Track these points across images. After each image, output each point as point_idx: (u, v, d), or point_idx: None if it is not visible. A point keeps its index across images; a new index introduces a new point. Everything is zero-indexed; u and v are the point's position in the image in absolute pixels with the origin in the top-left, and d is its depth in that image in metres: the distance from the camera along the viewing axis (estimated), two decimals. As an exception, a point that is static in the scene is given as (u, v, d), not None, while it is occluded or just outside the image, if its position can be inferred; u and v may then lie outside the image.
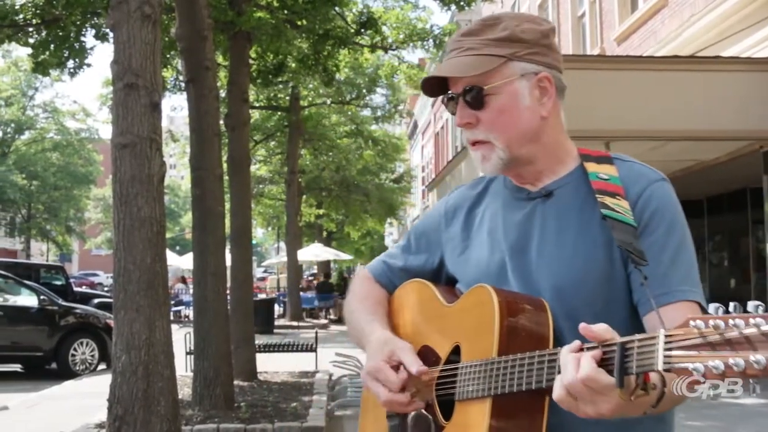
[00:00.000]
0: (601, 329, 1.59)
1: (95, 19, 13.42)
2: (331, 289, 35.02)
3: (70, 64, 14.35)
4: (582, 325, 1.60)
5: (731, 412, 9.68)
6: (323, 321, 31.99)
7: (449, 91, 2.06)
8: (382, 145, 38.43)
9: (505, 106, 1.99)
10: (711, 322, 1.37)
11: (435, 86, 2.10)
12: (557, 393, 1.61)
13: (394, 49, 18.97)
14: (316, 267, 48.70)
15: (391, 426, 2.09)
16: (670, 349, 1.43)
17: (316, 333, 15.68)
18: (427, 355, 2.09)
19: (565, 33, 23.09)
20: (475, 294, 1.97)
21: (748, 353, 1.31)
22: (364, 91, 31.69)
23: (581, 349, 1.61)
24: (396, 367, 2.00)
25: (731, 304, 1.40)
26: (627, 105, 11.97)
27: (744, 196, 17.41)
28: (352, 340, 2.33)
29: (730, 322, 1.35)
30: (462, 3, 15.44)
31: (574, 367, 1.57)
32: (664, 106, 12.02)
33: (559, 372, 1.63)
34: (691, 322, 1.40)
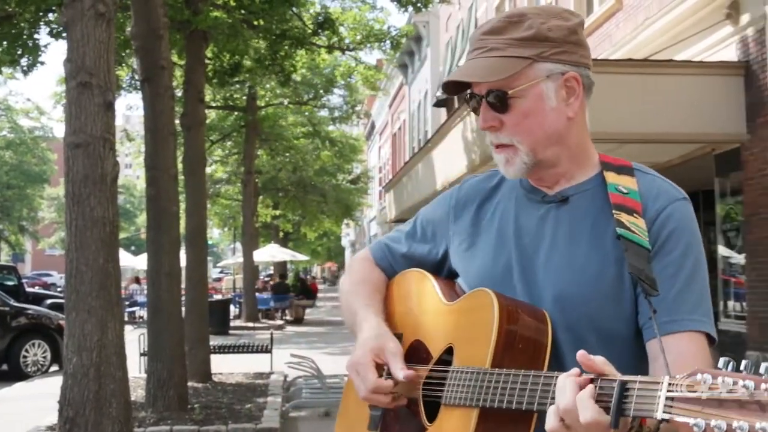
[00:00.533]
0: (600, 361, 1.53)
1: (49, 16, 13.28)
2: (287, 290, 34.91)
3: (24, 61, 14.19)
4: (581, 353, 1.53)
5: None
6: (279, 322, 31.89)
7: (471, 91, 1.97)
8: (339, 145, 38.39)
9: (530, 109, 1.90)
10: (720, 379, 1.30)
11: (456, 84, 1.99)
12: (551, 422, 1.54)
13: (351, 50, 19.01)
14: (272, 268, 48.51)
15: (373, 415, 2.02)
16: (672, 398, 1.37)
17: (272, 334, 15.65)
18: (418, 350, 2.05)
19: (521, 35, 23.20)
20: (477, 297, 1.91)
21: (754, 418, 1.25)
22: (322, 91, 31.60)
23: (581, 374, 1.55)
24: (380, 367, 1.95)
25: (743, 362, 1.31)
26: (582, 107, 12.05)
27: (696, 199, 17.61)
28: (345, 322, 2.26)
29: (741, 382, 1.28)
30: (419, 4, 15.50)
31: (573, 393, 1.51)
32: (618, 109, 12.12)
33: (553, 397, 1.57)
34: (699, 375, 1.34)
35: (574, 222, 1.94)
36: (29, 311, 17.21)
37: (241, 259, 34.41)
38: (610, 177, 1.94)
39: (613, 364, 1.55)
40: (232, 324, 27.82)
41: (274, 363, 14.50)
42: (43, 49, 13.98)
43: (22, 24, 13.22)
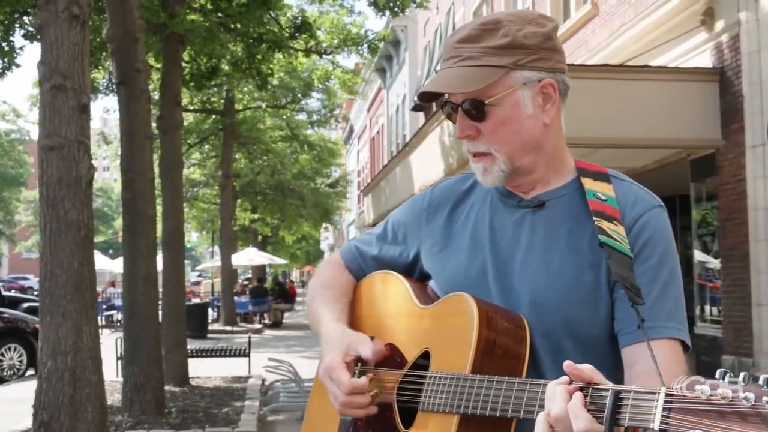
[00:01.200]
0: (587, 369, 1.51)
1: (24, 18, 13.21)
2: (266, 293, 34.84)
3: (-1, 64, 14.11)
4: (567, 363, 1.52)
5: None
6: (257, 326, 31.83)
7: (446, 99, 1.96)
8: (317, 149, 38.37)
9: (507, 117, 1.89)
10: (719, 390, 1.29)
11: (431, 92, 1.97)
12: (539, 422, 1.53)
13: (328, 54, 19.01)
14: (250, 271, 48.40)
15: (344, 420, 1.95)
16: (669, 409, 1.35)
17: (249, 338, 15.61)
18: (392, 354, 2.01)
19: (499, 40, 23.27)
20: (455, 302, 1.88)
21: (756, 430, 1.24)
22: (300, 95, 31.59)
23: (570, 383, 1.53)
24: (352, 365, 1.92)
25: (741, 374, 1.30)
26: (558, 112, 12.09)
27: (673, 204, 17.71)
28: (310, 326, 2.24)
29: (741, 394, 1.27)
30: (396, 9, 15.52)
31: (564, 401, 1.49)
32: (594, 114, 12.18)
33: (541, 405, 1.56)
34: (698, 386, 1.32)
35: (550, 227, 1.94)
36: (5, 315, 17.10)
37: (219, 263, 34.28)
38: (588, 183, 1.95)
39: None
40: (210, 328, 27.74)
41: (252, 367, 14.47)
42: (18, 51, 13.91)
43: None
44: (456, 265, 2.03)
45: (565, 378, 1.53)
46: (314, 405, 2.20)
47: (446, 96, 1.97)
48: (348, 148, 61.24)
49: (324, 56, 19.48)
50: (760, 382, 1.28)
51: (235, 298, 32.60)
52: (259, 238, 46.66)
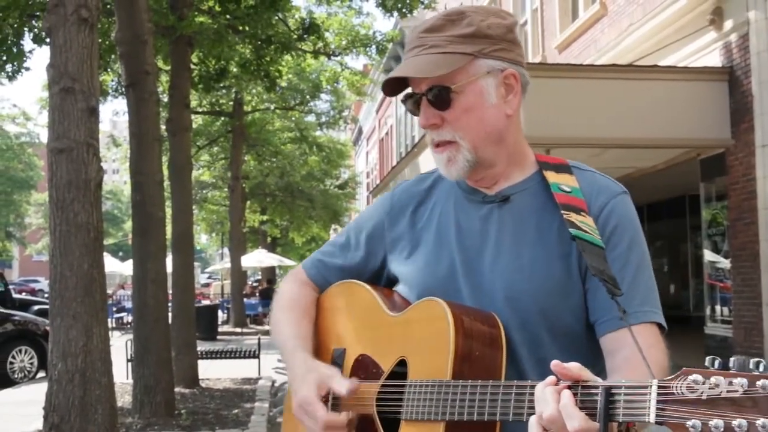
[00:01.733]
0: (575, 368, 1.51)
1: (33, 22, 13.24)
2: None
3: (9, 67, 14.13)
4: (554, 363, 1.51)
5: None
6: (267, 327, 31.76)
7: (410, 90, 1.96)
8: (326, 151, 38.36)
9: (471, 104, 1.90)
10: (712, 378, 1.30)
11: (395, 85, 1.99)
12: (531, 424, 1.52)
13: (337, 55, 19.02)
14: (260, 273, 48.45)
15: None
16: (664, 401, 1.35)
17: (259, 339, 15.61)
18: (366, 365, 1.99)
19: (507, 41, 23.22)
20: (427, 307, 1.87)
21: (753, 415, 1.24)
22: (308, 96, 31.59)
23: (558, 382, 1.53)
24: (326, 398, 1.90)
25: (732, 359, 1.31)
26: (567, 112, 12.09)
27: (683, 203, 17.70)
28: (277, 348, 2.20)
29: (735, 380, 1.27)
30: (404, 10, 15.50)
31: (556, 402, 1.48)
32: (603, 114, 12.17)
33: (530, 407, 1.55)
34: (689, 376, 1.33)
35: (517, 221, 1.95)
36: (16, 317, 17.14)
37: (228, 265, 34.31)
38: (551, 176, 1.96)
39: (569, 361, 1.53)
40: (219, 329, 27.78)
41: (262, 368, 14.48)
42: (27, 54, 13.93)
43: (6, 30, 13.17)
44: (424, 266, 2.03)
45: (552, 378, 1.52)
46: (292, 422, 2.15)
47: (410, 90, 1.98)
48: (357, 150, 61.24)
49: (332, 58, 19.52)
50: (751, 366, 1.28)
51: (245, 299, 32.64)
52: (269, 239, 46.70)
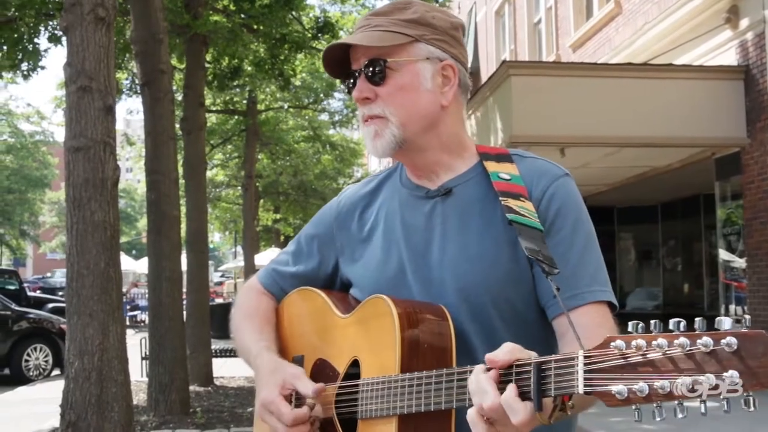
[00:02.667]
0: (505, 350, 1.50)
1: (49, 21, 13.29)
2: (288, 293, 34.88)
3: (24, 66, 14.20)
4: (487, 356, 1.51)
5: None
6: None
7: (351, 69, 1.99)
8: (339, 149, 38.37)
9: (405, 84, 1.92)
10: (633, 342, 1.31)
11: (336, 67, 2.02)
12: (472, 418, 1.51)
13: (350, 54, 18.97)
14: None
15: None
16: (590, 371, 1.36)
17: (273, 338, 15.60)
18: (323, 369, 2.01)
19: (521, 39, 23.24)
20: (373, 305, 1.89)
21: (673, 375, 1.26)
22: (322, 95, 31.61)
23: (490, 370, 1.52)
24: (289, 397, 1.90)
25: (652, 322, 1.31)
26: (582, 111, 12.08)
27: (697, 203, 17.63)
28: (242, 358, 2.20)
29: (653, 342, 1.29)
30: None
31: (494, 391, 1.48)
32: (618, 113, 12.15)
33: (470, 396, 1.54)
34: (612, 342, 1.33)
35: (461, 212, 1.95)
36: (30, 315, 17.21)
37: (242, 263, 34.35)
38: (491, 166, 1.96)
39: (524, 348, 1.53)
40: (233, 328, 27.78)
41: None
42: (43, 53, 14.00)
43: (23, 29, 13.23)
44: (374, 267, 2.04)
45: (482, 366, 1.53)
46: None
47: (351, 69, 2.00)
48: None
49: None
50: (671, 326, 1.29)
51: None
52: (282, 238, 46.72)
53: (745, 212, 12.31)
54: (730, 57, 12.44)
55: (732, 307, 12.80)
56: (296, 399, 1.91)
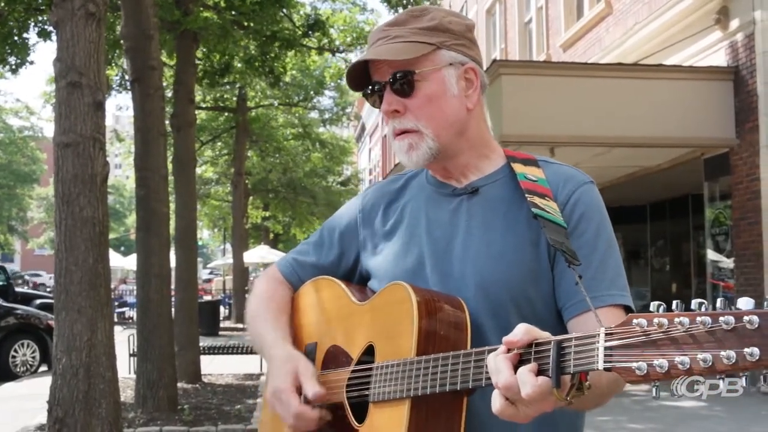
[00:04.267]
0: (522, 331, 1.52)
1: (39, 15, 13.24)
2: (277, 291, 34.80)
3: (12, 60, 14.15)
4: (505, 339, 1.53)
5: (671, 414, 9.82)
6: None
7: (374, 82, 2.01)
8: (329, 147, 38.39)
9: (434, 93, 1.95)
10: (655, 320, 1.33)
11: (359, 78, 2.04)
12: (496, 402, 1.52)
13: (341, 52, 19.01)
14: (262, 269, 48.44)
15: None
16: (611, 348, 1.37)
17: (261, 335, 15.59)
18: (336, 355, 2.03)
19: (511, 39, 23.26)
20: (391, 292, 1.91)
21: (694, 351, 1.27)
22: (312, 93, 31.62)
23: (509, 351, 1.53)
24: (299, 390, 1.93)
25: (674, 303, 1.34)
26: (572, 111, 12.10)
27: (686, 203, 17.67)
28: (255, 347, 2.24)
29: (675, 320, 1.31)
30: (408, 6, 15.49)
31: (509, 370, 1.49)
32: (608, 113, 12.17)
33: (488, 376, 1.56)
34: (634, 320, 1.35)
35: (487, 211, 1.98)
36: (18, 311, 17.13)
37: (230, 261, 34.35)
38: (518, 168, 1.99)
39: None
40: (221, 325, 27.80)
41: (264, 364, 14.44)
42: (32, 48, 13.95)
43: (11, 23, 13.17)
44: (393, 259, 2.06)
45: (502, 347, 1.54)
46: (266, 423, 2.22)
47: (373, 82, 2.01)
48: (360, 146, 61.24)
49: (337, 54, 19.50)
50: (693, 306, 1.32)
51: (247, 295, 32.60)
52: (271, 235, 46.70)
53: (734, 213, 12.35)
54: (719, 58, 12.48)
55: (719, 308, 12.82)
56: (305, 398, 1.93)
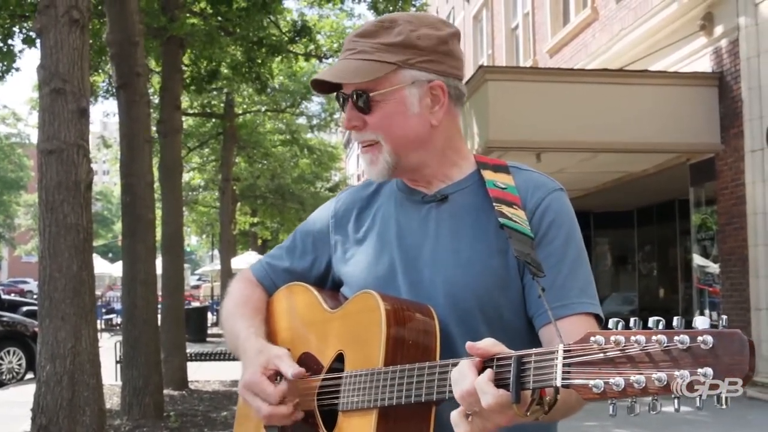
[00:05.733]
0: (488, 344, 1.54)
1: (23, 22, 13.21)
2: (266, 297, 34.75)
3: (-2, 67, 14.12)
4: (468, 344, 1.54)
5: (657, 419, 9.82)
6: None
7: (340, 91, 2.00)
8: (317, 153, 38.33)
9: (392, 112, 1.93)
10: (612, 338, 1.33)
11: (329, 84, 2.02)
12: (455, 418, 1.55)
13: (328, 58, 19.00)
14: (249, 275, 48.26)
15: (269, 429, 1.99)
16: (569, 365, 1.38)
17: (249, 342, 15.56)
18: (308, 363, 2.01)
19: (498, 45, 23.31)
20: (361, 300, 1.91)
21: (650, 370, 1.28)
22: (299, 99, 31.59)
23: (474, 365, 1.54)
24: (273, 377, 1.92)
25: (632, 320, 1.34)
26: (558, 117, 12.12)
27: (673, 208, 17.74)
28: (229, 347, 2.23)
29: (632, 338, 1.31)
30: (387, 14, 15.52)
31: (471, 378, 1.50)
32: (594, 119, 12.20)
33: (450, 387, 1.57)
34: (592, 337, 1.36)
35: (455, 218, 1.98)
36: (4, 318, 17.05)
37: (218, 267, 34.26)
38: (488, 175, 1.99)
39: None
40: (209, 331, 27.72)
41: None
42: (18, 54, 13.91)
43: (-4, 30, 13.15)
44: (365, 266, 2.06)
45: (466, 360, 1.55)
46: (240, 424, 2.22)
47: (341, 89, 2.00)
48: (348, 153, 61.26)
49: (324, 60, 19.50)
50: (650, 324, 1.32)
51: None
52: (259, 241, 46.63)
53: (719, 218, 12.40)
54: (704, 64, 12.53)
55: (706, 312, 12.87)
56: (279, 379, 1.92)
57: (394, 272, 2.00)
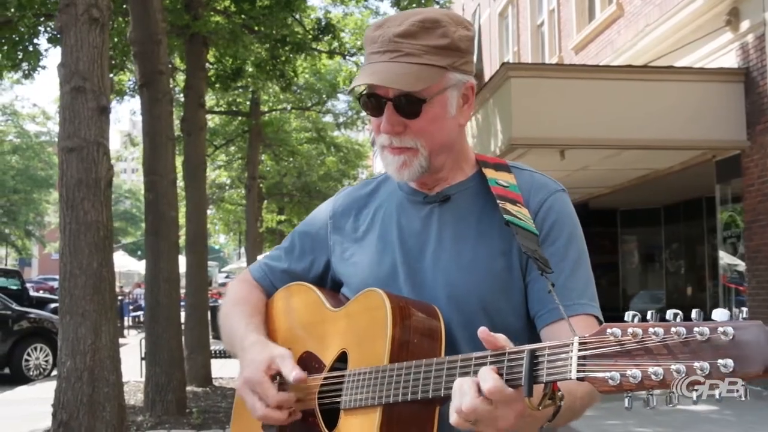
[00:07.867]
0: (502, 338, 1.52)
1: (48, 21, 13.31)
2: (291, 294, 34.84)
3: (25, 66, 14.21)
4: (482, 329, 1.51)
5: (680, 417, 9.76)
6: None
7: (372, 92, 1.92)
8: (344, 151, 38.34)
9: (436, 116, 1.90)
10: (630, 330, 1.31)
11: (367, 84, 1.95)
12: (453, 419, 1.51)
13: (353, 55, 19.00)
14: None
15: (267, 429, 1.99)
16: (584, 357, 1.36)
17: (273, 339, 15.59)
18: (309, 362, 2.00)
19: (524, 42, 23.21)
20: (366, 298, 1.88)
21: (668, 362, 1.26)
22: (325, 97, 31.59)
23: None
24: (273, 378, 1.90)
25: (649, 313, 1.33)
26: (583, 113, 12.06)
27: (699, 205, 17.60)
28: (225, 346, 2.22)
29: (650, 330, 1.30)
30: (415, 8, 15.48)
31: (474, 391, 1.47)
32: (619, 115, 12.12)
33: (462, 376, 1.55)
34: (608, 330, 1.34)
35: (458, 220, 1.97)
36: (31, 315, 17.24)
37: (245, 264, 34.35)
38: (489, 173, 1.98)
39: None
40: (235, 329, 27.81)
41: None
42: (43, 53, 14.01)
43: (22, 29, 13.24)
44: (366, 267, 2.05)
45: (468, 378, 1.51)
46: (237, 420, 2.21)
47: (368, 89, 1.94)
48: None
49: (348, 58, 19.50)
50: (668, 316, 1.31)
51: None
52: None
53: (746, 215, 12.28)
54: (730, 59, 12.41)
55: (734, 310, 12.74)
56: (280, 381, 1.91)
57: (396, 274, 1.98)
